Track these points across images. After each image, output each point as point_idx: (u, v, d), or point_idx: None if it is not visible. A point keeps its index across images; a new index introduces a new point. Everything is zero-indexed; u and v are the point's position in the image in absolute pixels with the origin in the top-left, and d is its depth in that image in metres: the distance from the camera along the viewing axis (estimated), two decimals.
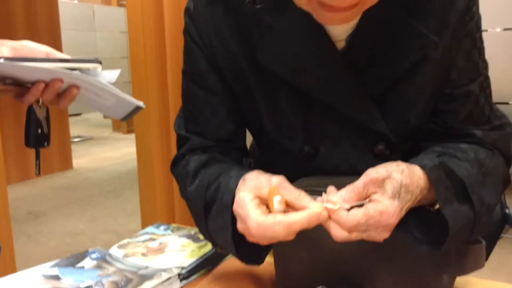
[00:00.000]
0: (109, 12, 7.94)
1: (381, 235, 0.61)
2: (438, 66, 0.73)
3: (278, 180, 0.65)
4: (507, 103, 2.91)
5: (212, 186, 0.73)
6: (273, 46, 0.73)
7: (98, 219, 3.93)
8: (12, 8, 4.97)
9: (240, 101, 0.82)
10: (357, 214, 0.59)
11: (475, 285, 0.82)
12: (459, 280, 0.82)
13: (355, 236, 0.60)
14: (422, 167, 0.65)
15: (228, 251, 0.75)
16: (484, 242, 0.77)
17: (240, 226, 0.64)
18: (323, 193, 0.63)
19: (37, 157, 0.83)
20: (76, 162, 5.89)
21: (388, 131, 0.75)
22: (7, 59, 0.70)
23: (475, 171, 0.69)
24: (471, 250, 0.76)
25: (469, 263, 0.76)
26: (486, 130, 0.76)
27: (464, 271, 0.77)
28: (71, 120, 5.88)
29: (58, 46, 5.49)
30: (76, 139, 7.19)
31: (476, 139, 0.76)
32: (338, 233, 0.60)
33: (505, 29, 2.81)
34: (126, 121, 8.06)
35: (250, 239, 0.63)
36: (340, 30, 0.72)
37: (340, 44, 0.73)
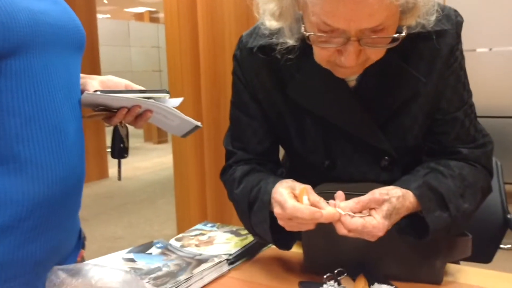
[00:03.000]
0: (143, 27, 8.28)
1: (371, 239, 0.83)
2: (428, 99, 0.93)
3: (306, 186, 0.87)
4: None
5: (254, 189, 0.95)
6: (300, 84, 0.95)
7: (135, 225, 4.19)
8: None
9: (274, 125, 1.04)
10: (357, 222, 0.81)
11: (464, 271, 1.02)
12: (451, 266, 1.02)
13: (352, 235, 0.82)
14: (411, 190, 0.86)
15: (265, 239, 0.97)
16: (470, 236, 0.97)
17: (277, 211, 0.86)
18: (331, 200, 0.85)
19: (119, 165, 1.07)
20: (111, 171, 6.19)
21: (390, 149, 0.96)
22: (102, 91, 0.94)
23: (457, 185, 0.90)
24: (459, 242, 0.96)
25: (457, 252, 0.96)
26: (471, 148, 0.96)
27: (453, 258, 0.97)
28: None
29: (96, 61, 5.84)
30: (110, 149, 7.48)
31: (462, 156, 0.96)
32: (341, 230, 0.82)
33: None
34: (157, 132, 8.38)
35: (281, 222, 0.86)
36: None
37: (352, 83, 0.95)
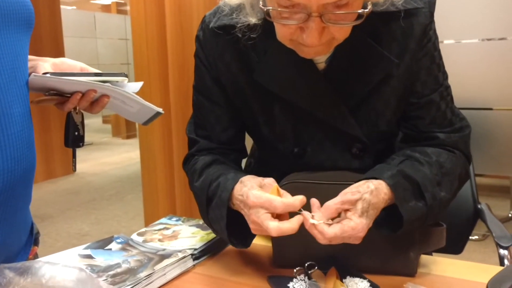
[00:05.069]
0: (109, 19, 8.09)
1: (354, 242, 0.79)
2: (401, 82, 0.89)
3: (270, 180, 0.83)
4: (490, 109, 3.08)
5: (213, 184, 0.90)
6: (267, 68, 0.89)
7: (102, 221, 4.07)
8: None
9: (240, 112, 0.98)
10: (335, 229, 0.76)
11: (438, 262, 0.98)
12: (424, 258, 0.98)
13: (334, 242, 0.78)
14: (384, 179, 0.81)
15: (222, 236, 0.92)
16: (444, 226, 0.93)
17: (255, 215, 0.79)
18: (306, 212, 0.79)
19: (74, 155, 1.00)
20: (78, 166, 6.01)
21: (361, 135, 0.91)
22: (53, 74, 0.86)
23: (433, 172, 0.85)
24: (433, 232, 0.92)
25: (432, 242, 0.92)
26: (448, 132, 0.92)
27: (427, 249, 0.93)
28: None
29: (60, 53, 5.65)
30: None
31: (439, 141, 0.92)
32: (321, 240, 0.77)
33: (483, 40, 3.00)
34: (125, 127, 8.21)
35: (253, 227, 0.81)
36: None
37: (321, 66, 0.90)
